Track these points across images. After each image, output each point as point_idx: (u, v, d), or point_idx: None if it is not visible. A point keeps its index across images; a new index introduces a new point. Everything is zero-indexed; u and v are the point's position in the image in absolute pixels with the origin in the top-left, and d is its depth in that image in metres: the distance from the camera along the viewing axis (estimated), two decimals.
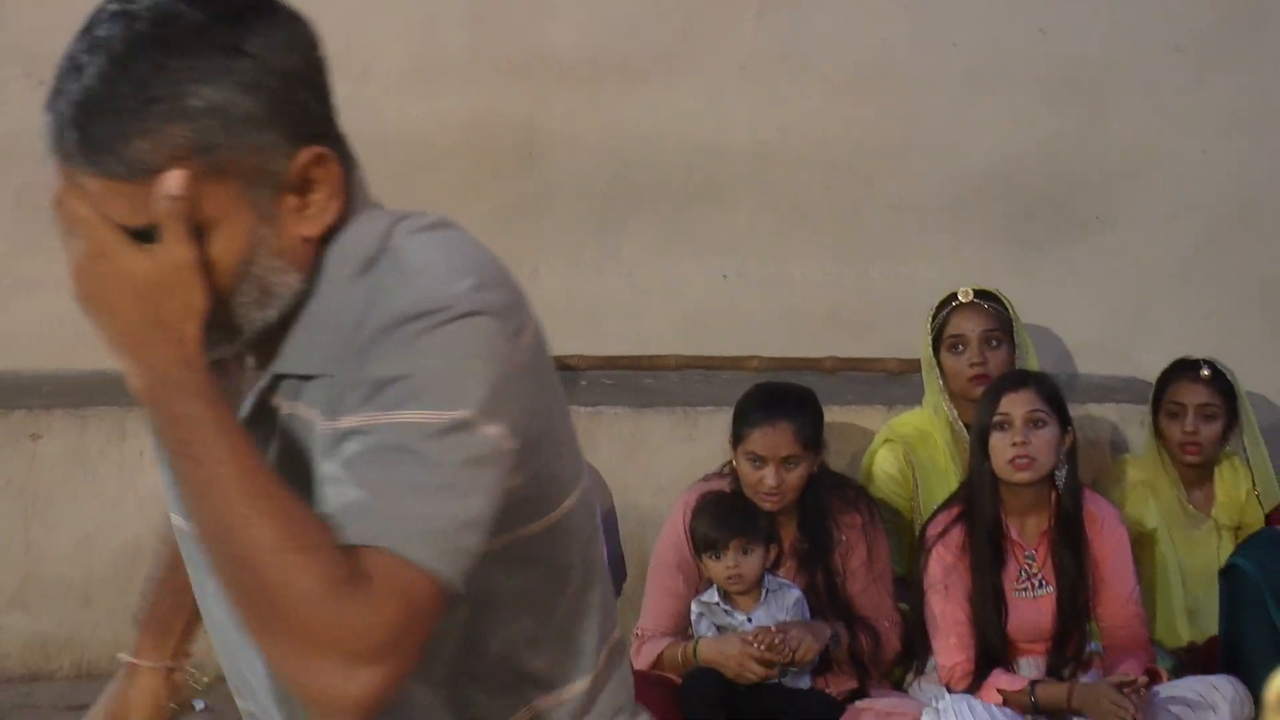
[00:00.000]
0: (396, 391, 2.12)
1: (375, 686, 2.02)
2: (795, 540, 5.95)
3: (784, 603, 5.75)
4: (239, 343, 2.27)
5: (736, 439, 5.99)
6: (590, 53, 7.45)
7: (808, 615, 5.79)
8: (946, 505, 5.94)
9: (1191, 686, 5.77)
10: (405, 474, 2.10)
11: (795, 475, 5.88)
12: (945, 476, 6.27)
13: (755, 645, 5.68)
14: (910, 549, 6.20)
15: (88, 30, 2.13)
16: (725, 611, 5.73)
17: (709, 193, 7.47)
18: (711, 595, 5.76)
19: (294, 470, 2.25)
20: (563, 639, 2.37)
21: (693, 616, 5.82)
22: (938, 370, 6.39)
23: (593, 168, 7.43)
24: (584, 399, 6.94)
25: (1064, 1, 7.39)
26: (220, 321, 2.22)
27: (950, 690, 5.67)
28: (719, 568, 5.71)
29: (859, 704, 5.67)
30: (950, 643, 5.77)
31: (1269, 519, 6.32)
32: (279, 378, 2.28)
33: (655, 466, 6.72)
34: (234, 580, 2.08)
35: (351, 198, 2.23)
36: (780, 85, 7.47)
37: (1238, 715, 5.71)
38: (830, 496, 6.03)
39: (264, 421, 2.30)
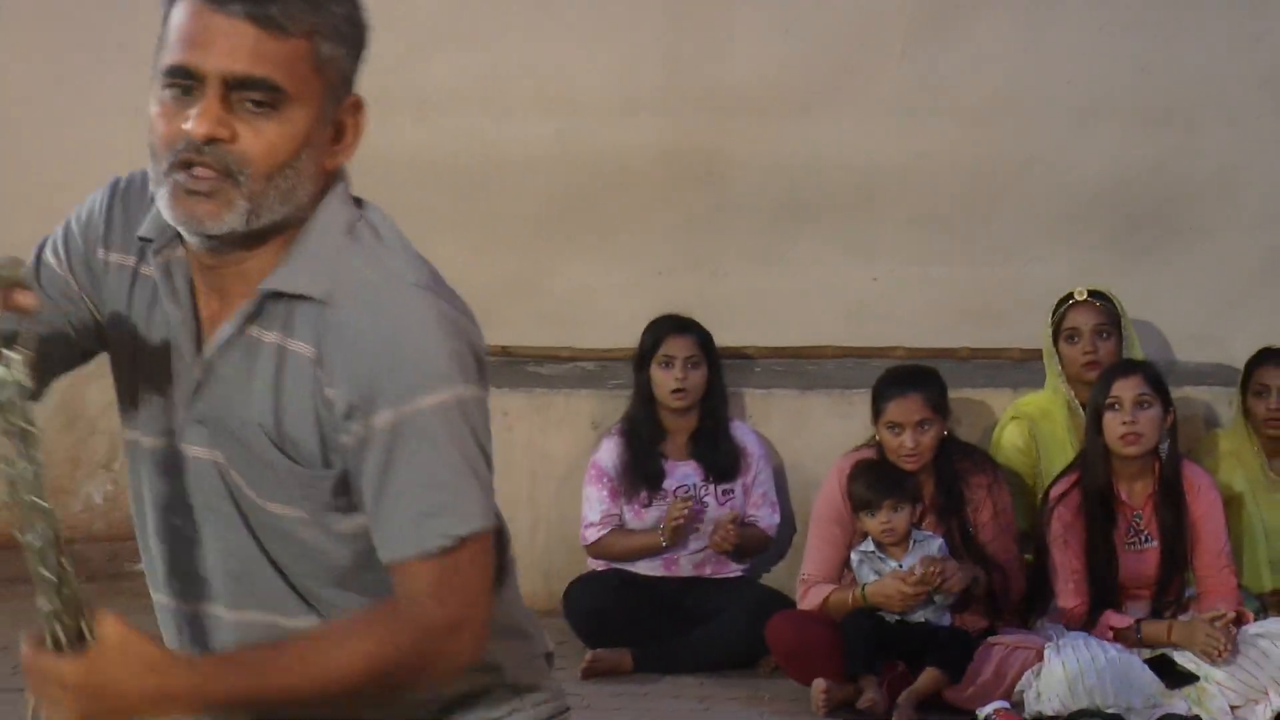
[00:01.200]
0: (406, 377, 2.26)
1: (486, 625, 2.26)
2: (933, 498, 6.37)
3: (929, 550, 6.21)
4: (248, 230, 2.33)
5: (877, 413, 6.42)
6: (764, 89, 7.70)
7: (946, 559, 6.22)
8: (1065, 472, 6.32)
9: (1274, 625, 6.13)
10: (446, 463, 2.25)
11: (928, 437, 6.29)
12: (1063, 448, 6.61)
13: (913, 575, 6.11)
14: (1032, 509, 6.58)
15: None
16: (880, 559, 6.20)
17: (861, 206, 7.64)
18: (868, 546, 6.21)
19: (290, 397, 2.34)
20: None
21: (854, 564, 6.29)
22: (1057, 358, 6.73)
23: (765, 185, 7.68)
24: (758, 382, 7.37)
25: (1162, 42, 7.58)
26: (250, 197, 2.31)
27: (1068, 628, 6.09)
28: (874, 523, 6.18)
29: (991, 639, 6.11)
30: (1069, 588, 6.15)
31: None
32: (268, 298, 2.34)
33: (816, 439, 7.04)
34: (377, 690, 2.23)
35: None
36: (921, 115, 7.72)
37: None
38: (960, 461, 6.44)
39: (247, 347, 2.36)
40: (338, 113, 2.33)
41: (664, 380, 6.76)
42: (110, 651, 2.09)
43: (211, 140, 2.22)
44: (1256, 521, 6.58)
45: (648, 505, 6.75)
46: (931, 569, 6.14)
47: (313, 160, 2.31)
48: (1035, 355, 7.17)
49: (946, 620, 6.26)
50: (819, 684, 6.04)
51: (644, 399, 6.83)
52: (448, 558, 2.23)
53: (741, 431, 6.92)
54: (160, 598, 2.49)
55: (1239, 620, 6.07)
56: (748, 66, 7.68)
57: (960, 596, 6.24)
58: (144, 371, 2.45)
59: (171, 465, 2.41)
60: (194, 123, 2.22)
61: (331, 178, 2.37)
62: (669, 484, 6.76)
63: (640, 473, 6.77)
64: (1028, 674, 5.93)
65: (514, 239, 7.90)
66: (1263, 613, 6.28)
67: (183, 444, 2.38)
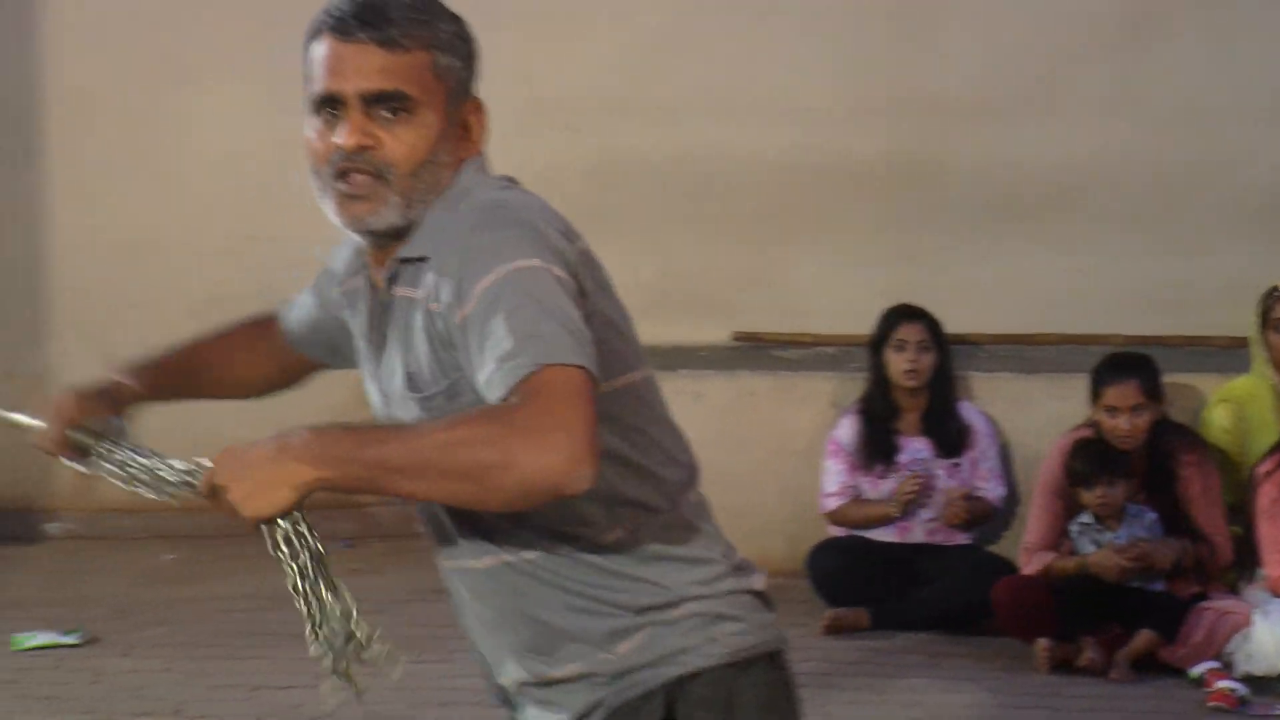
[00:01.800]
0: (483, 261, 2.39)
1: (585, 451, 2.26)
2: (1146, 474, 6.43)
3: (1142, 523, 6.33)
4: (406, 221, 2.52)
5: (1095, 396, 6.50)
6: (975, 96, 7.84)
7: (1160, 533, 6.34)
8: (1271, 451, 6.37)
9: None
10: (521, 314, 2.34)
11: (1143, 420, 6.36)
12: (1269, 428, 6.65)
13: (1129, 551, 6.21)
14: (1239, 485, 6.59)
15: None
16: (1097, 530, 6.32)
17: (1065, 203, 7.84)
18: (1086, 518, 6.34)
19: (415, 338, 2.52)
20: (646, 479, 2.58)
21: (1073, 534, 6.39)
22: (1264, 345, 6.75)
23: (977, 184, 7.82)
24: (982, 366, 7.45)
25: None
26: (402, 192, 2.50)
27: (1275, 595, 6.17)
28: (1091, 497, 6.31)
29: (1202, 604, 6.20)
30: (1275, 558, 6.21)
31: None
32: (400, 262, 2.53)
33: (1037, 419, 7.09)
34: (469, 484, 2.28)
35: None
36: (1118, 119, 7.80)
37: None
38: (1172, 441, 6.51)
39: (385, 303, 2.57)
40: (462, 113, 2.54)
41: (898, 363, 6.86)
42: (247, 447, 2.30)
43: (360, 149, 2.44)
44: None
45: (883, 477, 6.84)
46: (1146, 547, 6.24)
47: (447, 154, 2.52)
48: (1239, 342, 7.17)
49: (1159, 586, 6.32)
50: (1042, 643, 6.14)
51: (879, 380, 6.92)
52: (529, 382, 2.28)
53: (968, 411, 6.99)
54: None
55: None
56: (960, 75, 7.80)
57: (1172, 566, 6.31)
58: (364, 366, 2.65)
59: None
60: (343, 137, 2.45)
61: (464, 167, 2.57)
62: (902, 458, 6.85)
63: (875, 448, 6.86)
64: (1237, 637, 5.99)
65: (749, 235, 7.94)
66: None
67: (388, 416, 2.58)
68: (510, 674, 2.68)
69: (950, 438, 6.88)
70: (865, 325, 7.09)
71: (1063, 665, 6.18)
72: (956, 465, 6.87)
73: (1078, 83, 7.80)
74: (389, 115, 2.47)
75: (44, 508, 7.89)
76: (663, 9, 7.80)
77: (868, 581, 6.68)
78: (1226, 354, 7.34)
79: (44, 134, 7.86)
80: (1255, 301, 6.91)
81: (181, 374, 2.95)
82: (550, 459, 2.24)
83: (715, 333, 7.84)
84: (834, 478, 6.88)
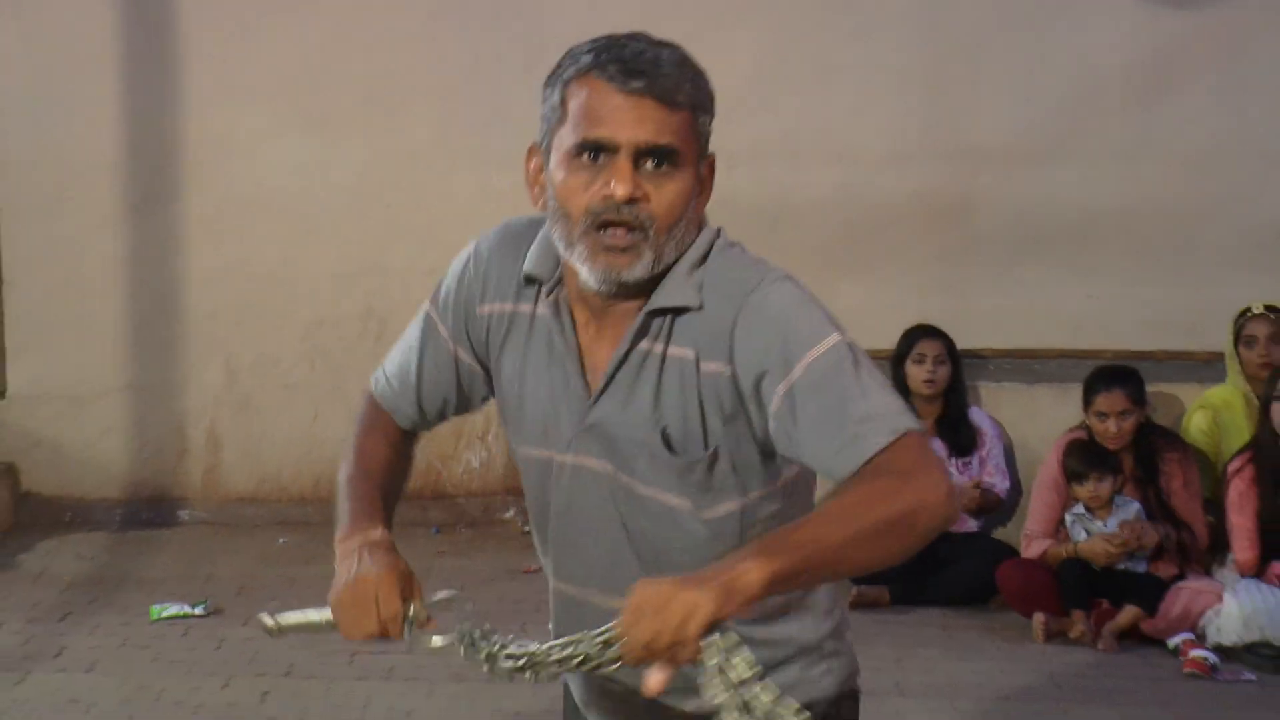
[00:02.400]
0: (801, 335, 2.34)
1: (952, 494, 2.28)
2: (1132, 470, 6.62)
3: (1128, 513, 6.52)
4: (651, 276, 2.41)
5: (1087, 403, 6.70)
6: (1005, 142, 7.93)
7: (1144, 520, 6.52)
8: (1241, 451, 6.54)
9: None
10: (862, 384, 2.30)
11: (1129, 424, 6.57)
12: (1240, 432, 6.81)
13: (1117, 538, 6.40)
14: (1213, 480, 6.81)
15: (636, 39, 2.42)
16: (1089, 519, 6.54)
17: (1085, 238, 7.93)
18: (1079, 509, 6.57)
19: (673, 396, 2.43)
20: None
21: (1068, 523, 6.59)
22: (1237, 359, 7.05)
23: (1005, 222, 7.96)
24: (992, 377, 7.70)
25: None
26: (655, 248, 2.39)
27: (1242, 575, 6.35)
28: (1083, 490, 6.53)
29: (1179, 584, 6.39)
30: (1243, 544, 6.39)
31: None
32: (650, 315, 2.42)
33: (1039, 423, 7.33)
34: (894, 534, 2.24)
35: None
36: (1137, 163, 7.86)
37: None
38: (1156, 441, 6.69)
39: (636, 361, 2.44)
40: (703, 169, 2.47)
41: (916, 374, 7.10)
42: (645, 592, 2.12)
43: (631, 200, 2.33)
44: None
45: None
46: (1130, 534, 6.43)
47: (694, 211, 2.44)
48: (1217, 357, 7.35)
49: (1143, 568, 6.49)
50: (1039, 617, 6.37)
51: (901, 389, 7.01)
52: (899, 443, 2.27)
53: (978, 415, 7.20)
54: (556, 584, 2.65)
55: None
56: (991, 123, 7.89)
57: (1154, 550, 6.49)
58: (532, 395, 2.54)
59: (564, 474, 2.51)
60: (617, 186, 2.33)
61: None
62: None
63: None
64: (1209, 612, 6.20)
65: (801, 264, 7.40)
66: None
67: (575, 455, 2.48)
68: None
69: (962, 439, 7.09)
70: (893, 342, 7.31)
71: (1057, 636, 6.38)
72: (967, 463, 7.07)
73: (1101, 129, 7.86)
74: (653, 169, 2.39)
75: (177, 498, 8.01)
76: (737, 71, 7.43)
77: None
78: (1206, 367, 7.50)
79: (184, 176, 7.95)
80: (1230, 322, 7.15)
81: (388, 503, 2.69)
82: (943, 492, 2.27)
83: None
84: None
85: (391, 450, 2.73)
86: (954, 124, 7.92)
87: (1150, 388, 7.00)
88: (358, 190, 7.95)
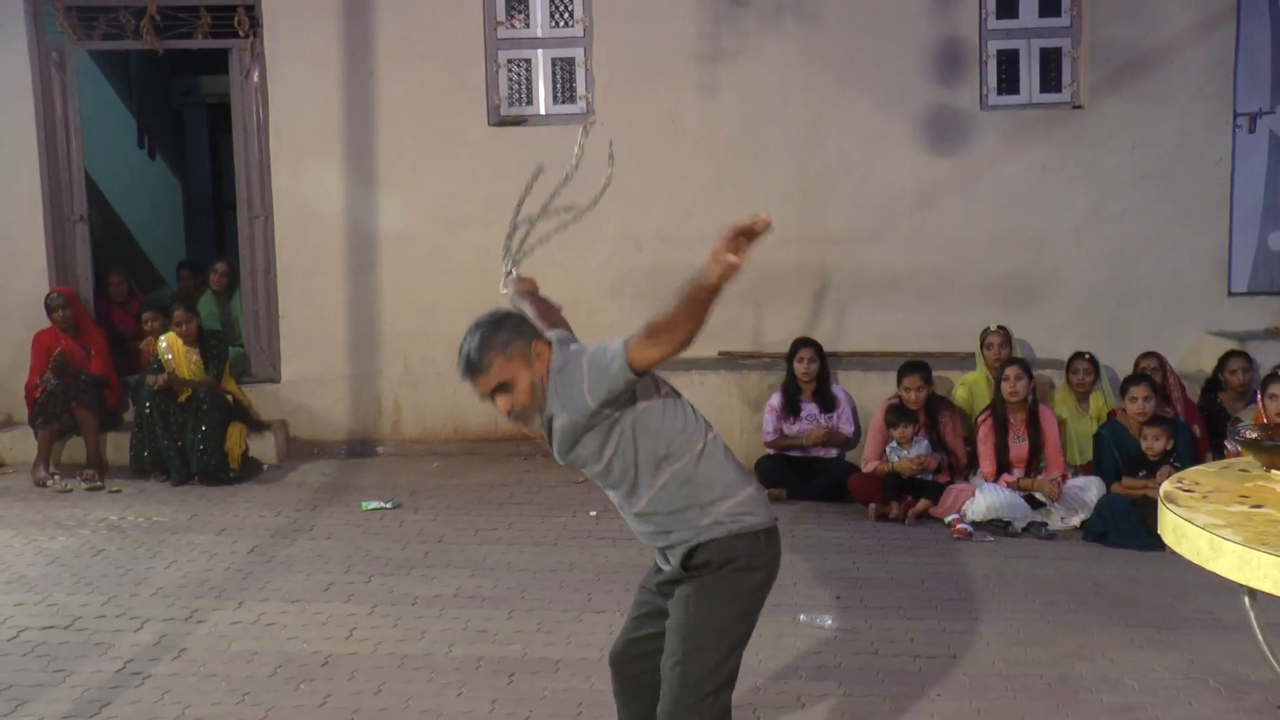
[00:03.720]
0: (586, 389, 2.46)
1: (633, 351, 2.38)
2: (923, 421, 6.55)
3: (921, 447, 6.48)
4: (541, 415, 2.55)
5: (898, 382, 6.54)
6: (844, 229, 7.59)
7: (930, 451, 6.46)
8: (984, 410, 6.51)
9: (1079, 480, 6.31)
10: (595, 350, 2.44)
11: (922, 395, 6.47)
12: (983, 399, 6.75)
13: (915, 460, 6.32)
14: (969, 425, 6.66)
15: (469, 334, 2.58)
16: (900, 450, 6.47)
17: (892, 286, 7.65)
18: (894, 444, 6.49)
19: (562, 436, 2.56)
20: (671, 442, 2.59)
21: (888, 452, 6.50)
22: (981, 357, 6.91)
23: (847, 279, 7.65)
24: (845, 368, 7.24)
25: None
26: (535, 413, 2.56)
27: (986, 480, 6.32)
28: (896, 433, 6.46)
29: (950, 486, 6.33)
30: (986, 463, 6.39)
31: (1110, 414, 6.46)
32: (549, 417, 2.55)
33: (873, 394, 7.04)
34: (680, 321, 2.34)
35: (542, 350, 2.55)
36: (921, 244, 7.61)
37: (1099, 494, 6.12)
38: (936, 404, 6.63)
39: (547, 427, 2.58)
40: (525, 353, 2.58)
41: (799, 368, 6.87)
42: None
43: (509, 413, 2.60)
44: (1072, 432, 6.65)
45: (793, 424, 6.84)
46: (923, 459, 6.39)
47: (536, 374, 2.58)
48: (969, 355, 7.32)
49: (930, 477, 6.44)
50: (871, 506, 6.34)
51: (791, 375, 6.90)
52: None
53: (836, 389, 7.00)
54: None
55: (1063, 478, 6.32)
56: (838, 220, 7.48)
57: (936, 467, 6.45)
58: None
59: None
60: (500, 413, 2.61)
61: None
62: (803, 414, 6.86)
63: (789, 409, 6.86)
64: (967, 502, 6.19)
65: (733, 306, 6.80)
66: (1074, 474, 6.43)
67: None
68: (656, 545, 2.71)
69: (827, 403, 6.90)
70: (785, 348, 7.13)
71: (882, 517, 6.34)
72: (830, 416, 6.91)
73: (893, 226, 7.64)
74: (503, 393, 2.57)
75: (375, 440, 7.89)
76: (692, 192, 7.55)
77: (783, 476, 6.69)
78: (963, 361, 7.41)
79: (380, 255, 7.81)
80: (978, 334, 7.08)
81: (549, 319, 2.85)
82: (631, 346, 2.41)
83: (711, 350, 7.65)
84: (769, 423, 6.89)
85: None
86: (817, 220, 7.72)
87: (935, 373, 6.94)
88: (476, 264, 7.54)
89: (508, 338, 2.56)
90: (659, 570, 2.78)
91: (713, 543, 2.59)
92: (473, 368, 2.54)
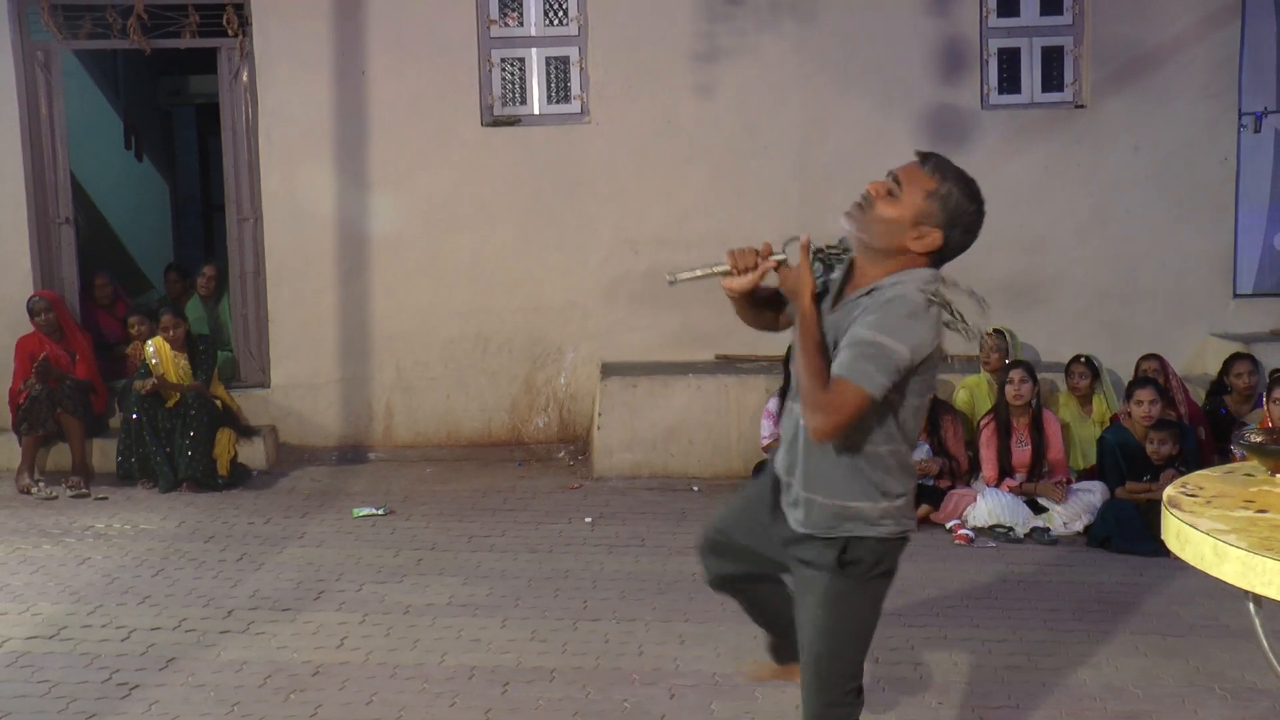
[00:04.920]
0: (876, 327, 2.31)
1: (831, 426, 2.30)
2: (925, 425, 5.56)
3: (922, 452, 6.36)
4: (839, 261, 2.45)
5: (783, 368, 6.42)
6: (847, 231, 7.81)
7: (932, 455, 6.44)
8: (986, 414, 6.52)
9: (1083, 484, 6.30)
10: (864, 358, 2.28)
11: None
12: (985, 402, 6.80)
13: (915, 465, 6.17)
14: (971, 429, 6.68)
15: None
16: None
17: None
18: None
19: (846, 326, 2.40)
20: (908, 424, 2.51)
21: None
22: (981, 361, 6.84)
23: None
24: None
25: None
26: (873, 238, 2.40)
27: (988, 485, 6.34)
28: None
29: (951, 491, 6.33)
30: (988, 468, 6.39)
31: (1114, 418, 6.46)
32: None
33: None
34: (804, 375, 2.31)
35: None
36: None
37: (1103, 498, 6.11)
38: (938, 408, 6.51)
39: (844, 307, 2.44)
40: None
41: (796, 370, 6.87)
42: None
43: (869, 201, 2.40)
44: (1074, 436, 6.71)
45: None
46: (923, 465, 6.29)
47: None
48: (972, 358, 7.16)
49: (931, 482, 6.40)
50: None
51: (788, 378, 5.92)
52: (840, 380, 2.30)
53: None
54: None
55: (1067, 483, 6.30)
56: (837, 220, 7.55)
57: (937, 472, 6.43)
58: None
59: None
60: (873, 186, 2.43)
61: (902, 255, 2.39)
62: None
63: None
64: (968, 507, 6.18)
65: (727, 304, 8.00)
66: (1076, 479, 6.41)
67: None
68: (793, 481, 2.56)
69: None
70: (783, 351, 6.78)
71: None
72: None
73: None
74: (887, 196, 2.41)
75: (367, 445, 7.89)
76: (690, 193, 7.57)
77: None
78: (966, 364, 7.30)
79: (371, 257, 7.79)
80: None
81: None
82: (816, 422, 2.34)
83: (708, 354, 7.69)
84: (766, 427, 6.84)
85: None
86: (819, 224, 6.96)
87: (937, 376, 6.89)
88: (470, 267, 7.81)
89: (947, 202, 2.40)
90: (780, 517, 2.66)
91: (869, 541, 2.52)
92: (921, 163, 2.38)
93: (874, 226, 2.38)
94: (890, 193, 2.37)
